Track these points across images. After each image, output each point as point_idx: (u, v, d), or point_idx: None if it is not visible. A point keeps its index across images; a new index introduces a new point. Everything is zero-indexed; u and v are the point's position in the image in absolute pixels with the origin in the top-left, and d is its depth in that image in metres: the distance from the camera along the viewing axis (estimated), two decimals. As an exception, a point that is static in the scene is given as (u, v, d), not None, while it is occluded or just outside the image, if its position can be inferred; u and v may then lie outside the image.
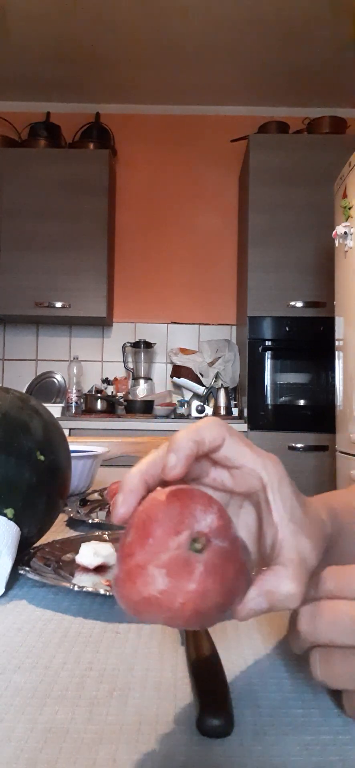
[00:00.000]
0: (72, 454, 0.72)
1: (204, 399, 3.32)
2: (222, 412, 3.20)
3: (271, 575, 0.33)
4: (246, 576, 0.32)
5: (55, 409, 3.16)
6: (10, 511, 0.55)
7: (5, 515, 0.55)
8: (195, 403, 3.27)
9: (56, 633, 0.44)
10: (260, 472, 0.36)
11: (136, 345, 3.54)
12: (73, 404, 3.26)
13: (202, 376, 3.39)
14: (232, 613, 0.32)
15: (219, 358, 3.39)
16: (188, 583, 0.29)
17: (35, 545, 0.63)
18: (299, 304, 3.07)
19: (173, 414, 3.34)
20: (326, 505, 0.42)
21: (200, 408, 3.24)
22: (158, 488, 0.32)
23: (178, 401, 3.41)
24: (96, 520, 0.80)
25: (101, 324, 3.58)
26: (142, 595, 0.29)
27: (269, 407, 3.08)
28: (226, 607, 0.30)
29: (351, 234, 2.38)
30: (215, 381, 3.36)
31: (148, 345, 3.53)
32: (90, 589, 0.49)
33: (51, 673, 0.38)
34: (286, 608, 0.33)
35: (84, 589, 0.49)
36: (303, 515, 0.36)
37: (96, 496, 1.02)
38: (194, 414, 3.23)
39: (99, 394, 3.33)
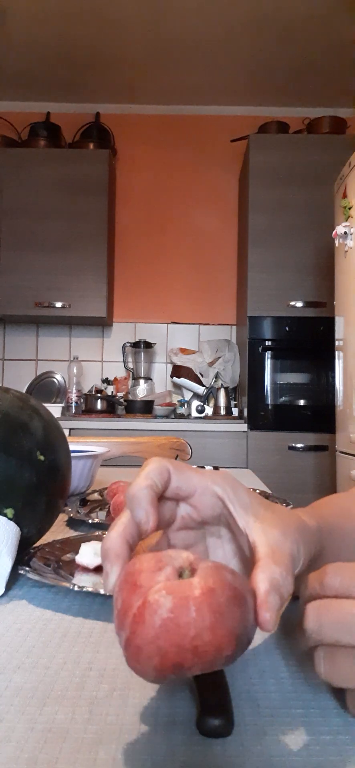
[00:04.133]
0: (72, 454, 0.72)
1: (204, 399, 3.32)
2: (222, 412, 3.20)
3: (256, 570, 0.33)
4: (246, 585, 0.31)
5: (55, 409, 3.16)
6: (10, 511, 0.55)
7: (5, 515, 0.55)
8: (195, 403, 3.27)
9: (56, 633, 0.44)
10: (213, 488, 0.37)
11: (136, 345, 3.54)
12: (73, 404, 3.26)
13: (202, 376, 3.38)
14: (255, 624, 0.31)
15: (219, 358, 3.38)
16: (193, 590, 0.28)
17: (35, 545, 0.63)
18: (299, 304, 3.07)
19: (173, 414, 3.34)
20: (307, 510, 0.43)
21: (200, 408, 3.23)
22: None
23: (178, 401, 3.41)
24: (96, 520, 0.80)
25: (101, 324, 3.58)
26: (155, 628, 0.28)
27: (269, 407, 3.07)
28: (240, 620, 0.29)
29: (351, 234, 2.38)
30: (215, 381, 3.36)
31: (148, 345, 3.53)
32: (90, 589, 0.49)
33: (51, 673, 0.38)
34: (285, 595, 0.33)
35: (84, 589, 0.49)
36: (266, 511, 0.37)
37: (96, 496, 1.02)
38: (194, 414, 3.23)
39: (99, 394, 3.32)
